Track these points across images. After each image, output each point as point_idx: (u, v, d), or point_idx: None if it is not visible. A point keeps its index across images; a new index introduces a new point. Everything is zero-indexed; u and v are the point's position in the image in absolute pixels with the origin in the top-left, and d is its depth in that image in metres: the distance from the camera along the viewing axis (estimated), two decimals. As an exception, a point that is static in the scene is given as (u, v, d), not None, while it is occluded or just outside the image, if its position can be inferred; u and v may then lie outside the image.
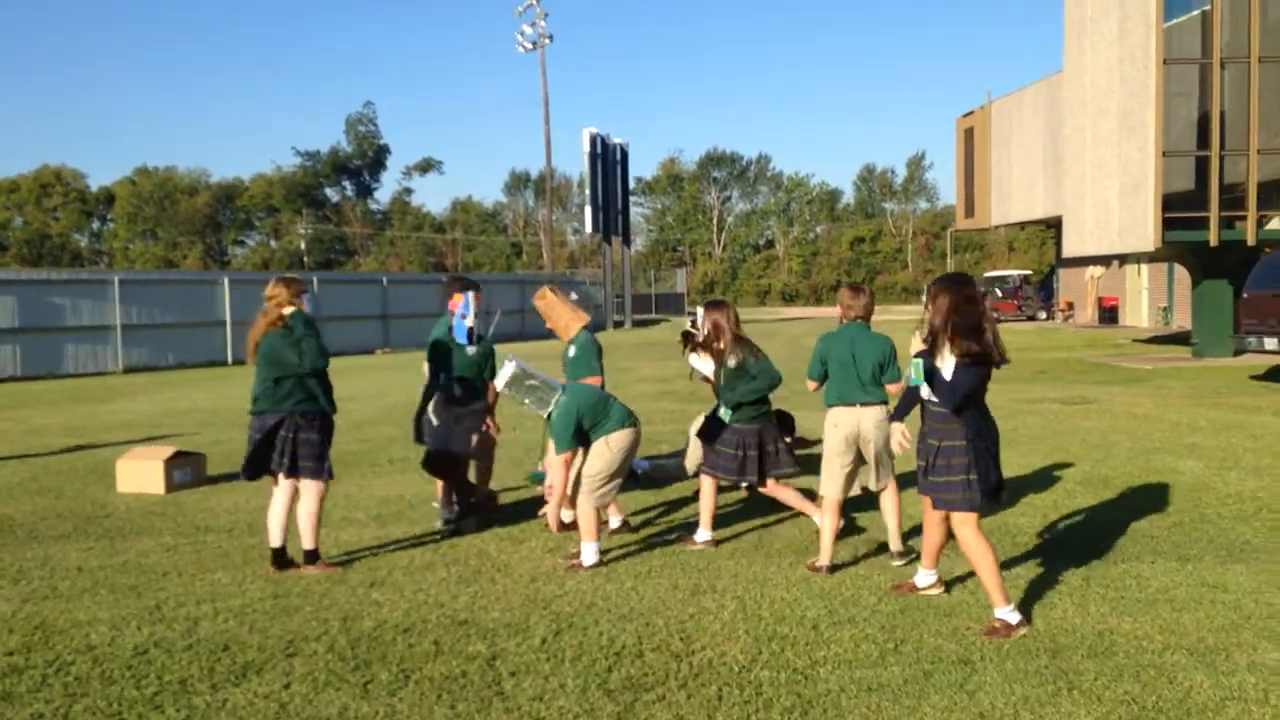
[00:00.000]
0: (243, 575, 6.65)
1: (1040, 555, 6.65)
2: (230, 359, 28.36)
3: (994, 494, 5.32)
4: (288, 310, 6.66)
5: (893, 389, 6.51)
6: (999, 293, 42.80)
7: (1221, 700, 4.34)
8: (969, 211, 39.34)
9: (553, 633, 5.37)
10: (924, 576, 5.86)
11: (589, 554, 6.61)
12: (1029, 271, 47.46)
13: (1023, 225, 46.28)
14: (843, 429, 6.47)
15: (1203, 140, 19.92)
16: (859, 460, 6.57)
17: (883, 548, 6.91)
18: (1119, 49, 20.36)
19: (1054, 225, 38.76)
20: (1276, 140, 19.28)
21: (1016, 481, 9.03)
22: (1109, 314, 35.87)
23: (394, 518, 8.29)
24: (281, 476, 6.69)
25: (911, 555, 6.55)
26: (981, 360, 5.14)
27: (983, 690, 4.48)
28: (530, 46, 52.83)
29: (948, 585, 5.94)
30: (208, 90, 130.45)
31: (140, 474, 9.60)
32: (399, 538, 7.58)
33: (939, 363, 5.24)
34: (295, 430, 6.59)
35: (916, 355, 5.37)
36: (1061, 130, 23.22)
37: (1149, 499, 8.22)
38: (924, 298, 5.39)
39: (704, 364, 7.31)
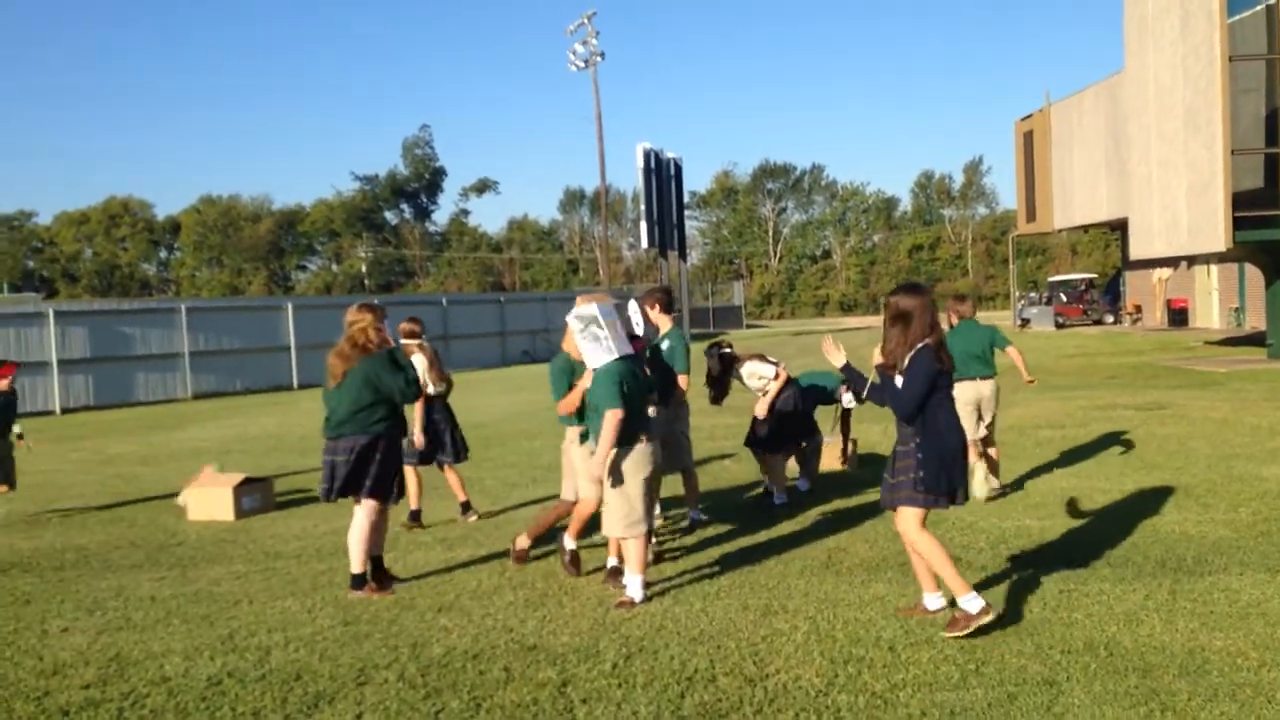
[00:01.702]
0: (313, 602, 6.66)
1: (1122, 569, 6.44)
2: (295, 383, 28.75)
3: (949, 496, 5.44)
4: (380, 338, 6.82)
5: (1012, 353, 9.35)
6: (1064, 297, 42.01)
7: (1325, 721, 4.14)
8: (1030, 215, 38.74)
9: (623, 657, 5.30)
10: (932, 600, 5.68)
11: (634, 587, 6.28)
12: (1094, 275, 46.53)
13: (1086, 228, 45.46)
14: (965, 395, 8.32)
15: (1271, 137, 19.38)
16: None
17: (955, 562, 6.74)
18: (1182, 46, 19.91)
19: (1118, 227, 38.04)
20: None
21: (1093, 491, 8.81)
22: (1178, 316, 35.04)
23: (459, 541, 8.28)
24: (364, 498, 6.79)
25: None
26: (925, 365, 5.35)
27: (1070, 713, 4.32)
28: (582, 65, 53.08)
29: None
30: (267, 118, 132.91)
31: (210, 501, 9.71)
32: (465, 561, 7.56)
33: (898, 374, 5.42)
34: (379, 453, 6.76)
35: (876, 367, 5.58)
36: (1125, 130, 22.74)
37: (1233, 508, 7.95)
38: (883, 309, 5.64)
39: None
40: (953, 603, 5.45)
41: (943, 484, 5.36)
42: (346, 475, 6.74)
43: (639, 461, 6.32)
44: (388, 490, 6.86)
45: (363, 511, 6.81)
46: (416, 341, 8.90)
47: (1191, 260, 29.12)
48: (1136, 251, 22.66)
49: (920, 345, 5.36)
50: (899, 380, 5.39)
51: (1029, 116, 37.47)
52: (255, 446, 15.33)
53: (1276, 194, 19.11)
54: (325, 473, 6.90)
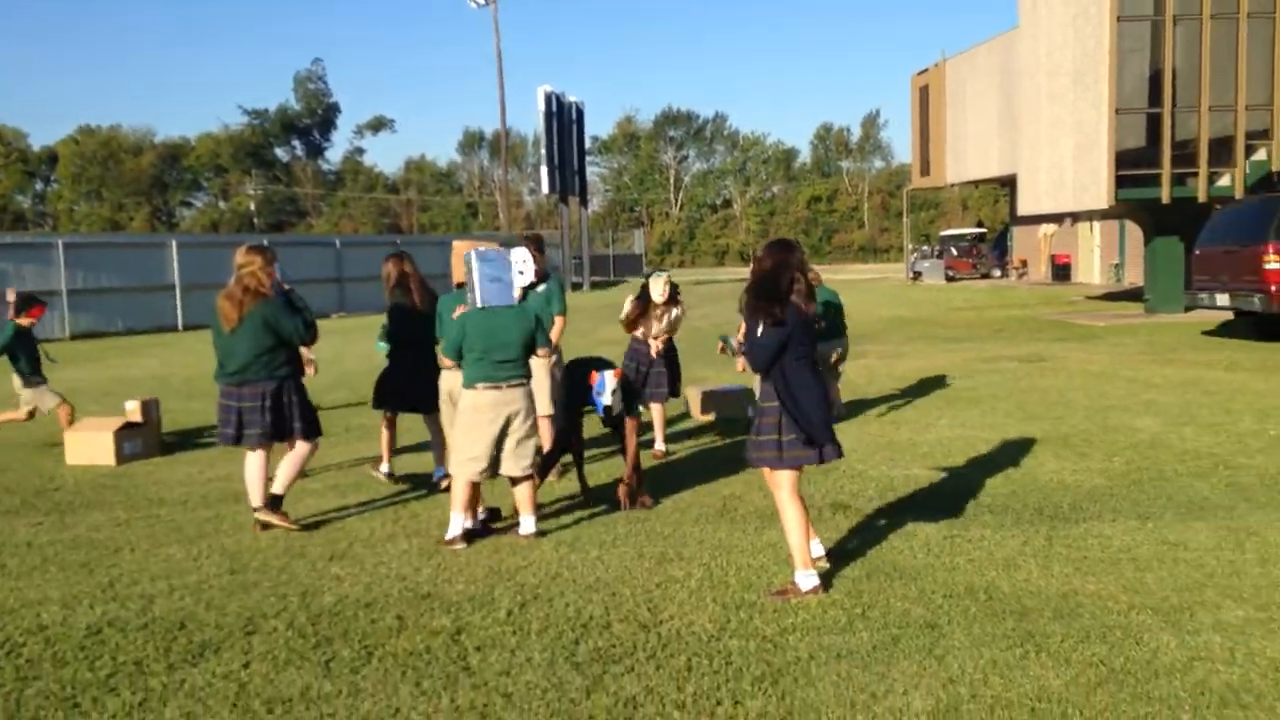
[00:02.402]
0: (198, 550, 6.51)
1: (1002, 515, 6.66)
2: (180, 324, 27.89)
3: (817, 452, 5.36)
4: (271, 281, 6.80)
5: None
6: (954, 251, 43.02)
7: (1189, 660, 4.36)
8: (925, 170, 39.45)
9: (518, 605, 5.30)
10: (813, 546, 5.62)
11: (454, 526, 6.43)
12: (984, 230, 47.71)
13: (977, 184, 46.46)
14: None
15: (1154, 97, 20.01)
16: None
17: (844, 509, 6.91)
18: (1073, 6, 20.36)
19: (1008, 183, 38.97)
20: (1226, 97, 19.40)
21: (976, 440, 9.08)
22: (1062, 271, 36.20)
23: (352, 488, 8.16)
24: (299, 440, 6.96)
25: None
26: (780, 323, 5.27)
27: (951, 654, 4.47)
28: (483, 2, 52.02)
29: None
30: (150, 46, 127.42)
31: (90, 446, 9.39)
32: (358, 509, 7.47)
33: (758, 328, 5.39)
34: (291, 395, 6.90)
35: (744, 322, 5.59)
36: (1017, 88, 23.23)
37: (1107, 457, 8.28)
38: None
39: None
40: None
41: (807, 441, 5.32)
42: (271, 423, 6.80)
43: (485, 405, 6.41)
44: (316, 428, 7.09)
45: (300, 450, 6.99)
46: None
47: (1075, 217, 30.01)
48: (1024, 207, 23.28)
49: (779, 301, 5.31)
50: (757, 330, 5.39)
51: (925, 71, 38.00)
52: (137, 389, 14.79)
53: (1158, 154, 19.77)
54: (226, 417, 6.87)
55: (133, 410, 9.83)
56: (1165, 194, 19.58)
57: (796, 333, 5.32)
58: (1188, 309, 17.99)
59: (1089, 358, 14.88)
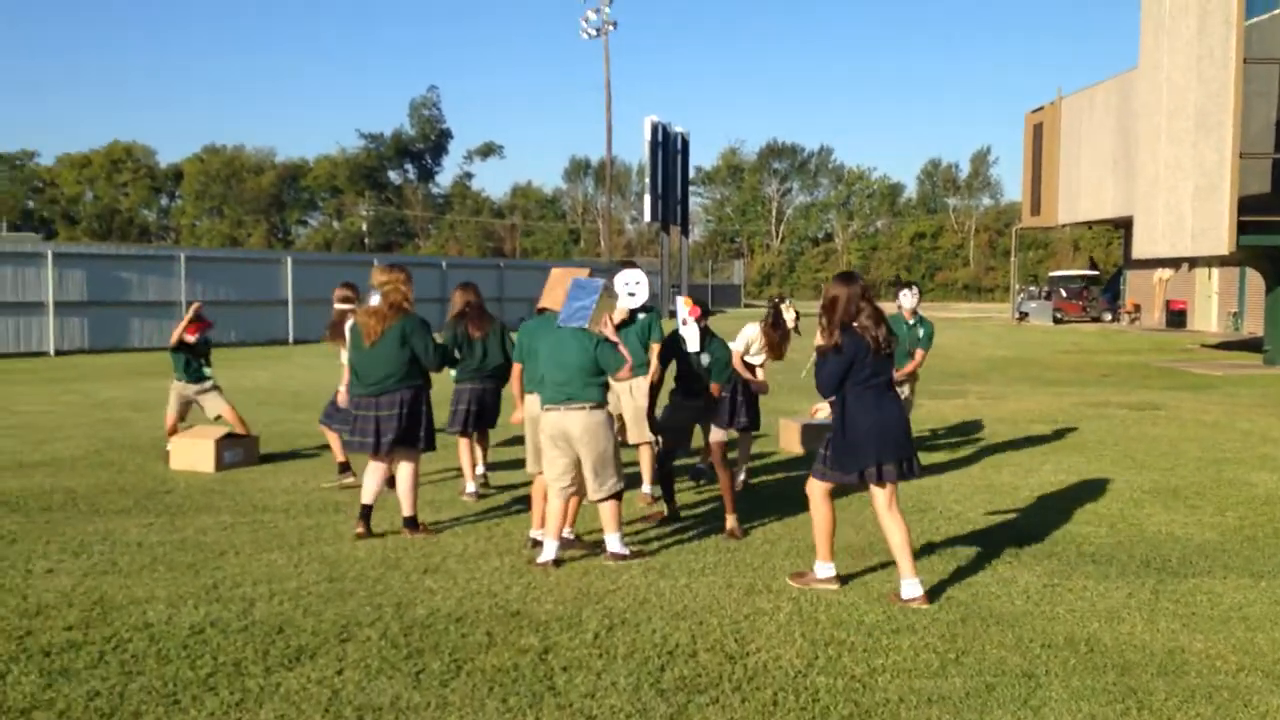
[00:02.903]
0: (298, 556, 6.68)
1: (1106, 566, 6.46)
2: (291, 338, 28.70)
3: (858, 475, 5.73)
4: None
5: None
6: (1064, 292, 41.99)
7: (1300, 728, 4.17)
8: (1035, 209, 38.62)
9: (605, 628, 5.31)
10: (910, 586, 5.72)
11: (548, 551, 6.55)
12: (1097, 271, 46.51)
13: (1090, 225, 45.39)
14: None
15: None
16: None
17: (929, 548, 6.78)
18: (1197, 47, 19.80)
19: (1122, 225, 37.98)
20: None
21: (1081, 487, 8.83)
22: (1176, 317, 35.07)
23: (446, 504, 8.29)
24: (423, 449, 7.28)
25: None
26: (838, 350, 5.64)
27: (1048, 706, 4.34)
28: (594, 33, 52.81)
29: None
30: (275, 70, 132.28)
31: (191, 452, 9.71)
32: (450, 524, 7.58)
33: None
34: (424, 405, 7.22)
35: (816, 348, 5.86)
36: (1135, 128, 22.65)
37: (1220, 511, 7.98)
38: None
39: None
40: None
41: (848, 463, 5.68)
42: (399, 429, 7.08)
43: (545, 424, 6.59)
44: (433, 442, 7.35)
45: (410, 464, 7.24)
46: (350, 307, 8.70)
47: (1193, 262, 29.08)
48: (1139, 251, 22.62)
49: (842, 329, 5.64)
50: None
51: (1040, 109, 37.30)
52: (247, 399, 15.27)
53: (1282, 201, 19.07)
54: (364, 427, 7.15)
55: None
56: (1289, 242, 18.87)
57: (860, 359, 5.62)
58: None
59: (1202, 408, 14.36)
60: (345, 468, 9.11)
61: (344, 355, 8.16)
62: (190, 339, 10.16)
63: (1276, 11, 20.50)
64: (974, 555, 6.72)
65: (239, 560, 6.61)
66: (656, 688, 4.58)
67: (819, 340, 5.80)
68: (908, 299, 9.92)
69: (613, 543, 6.57)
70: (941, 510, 7.96)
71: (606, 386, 6.65)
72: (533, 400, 6.86)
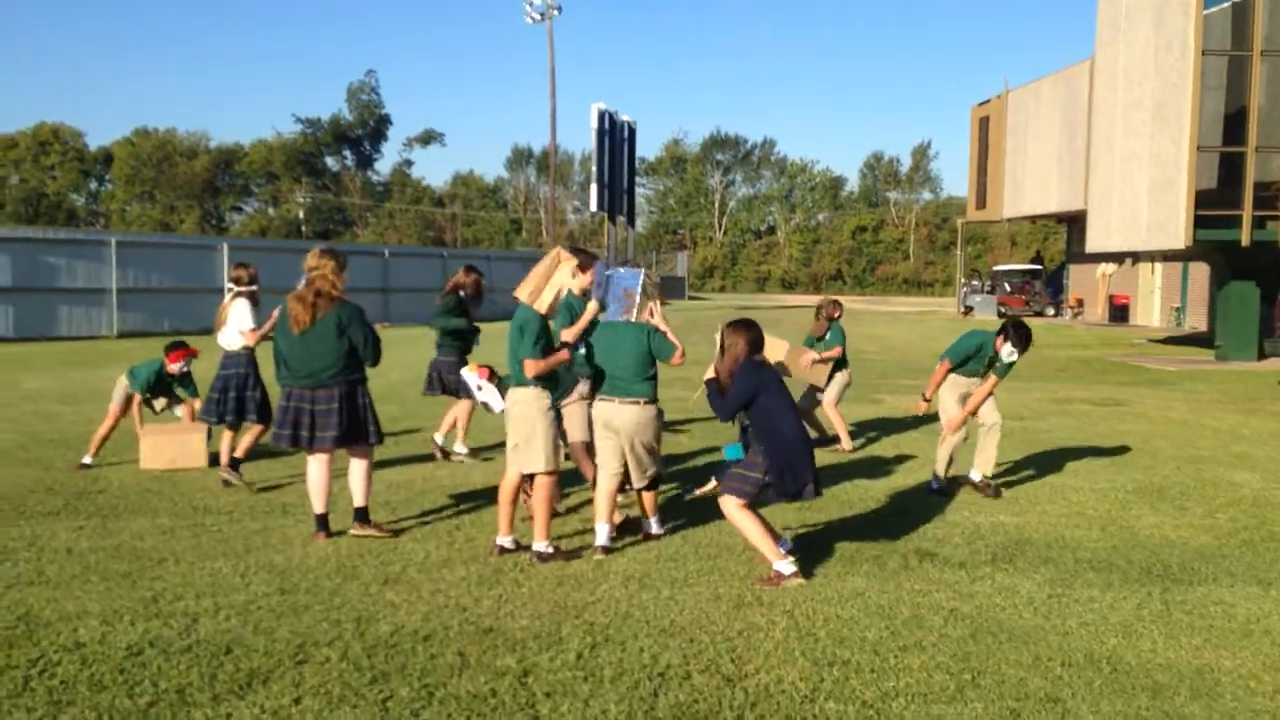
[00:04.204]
0: (245, 565, 6.16)
1: (1107, 573, 6.15)
2: (227, 327, 27.83)
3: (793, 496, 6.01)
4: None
5: None
6: (1008, 287, 42.23)
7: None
8: (981, 202, 38.83)
9: (588, 647, 4.88)
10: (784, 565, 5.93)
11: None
12: (1041, 266, 46.82)
13: (1034, 219, 45.74)
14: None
15: (1234, 136, 19.34)
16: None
17: (930, 557, 6.43)
18: (1155, 38, 19.77)
19: (1066, 220, 38.31)
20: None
21: (1064, 488, 8.56)
22: (1120, 312, 35.35)
23: (403, 505, 7.79)
24: (371, 443, 6.88)
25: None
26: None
27: (1079, 734, 3.99)
28: (538, 17, 52.02)
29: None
30: (208, 52, 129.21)
31: (171, 449, 9.06)
32: (410, 528, 7.09)
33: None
34: (365, 398, 6.80)
35: (705, 381, 6.19)
36: (1081, 123, 22.63)
37: (1209, 513, 7.73)
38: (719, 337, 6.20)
39: None
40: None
41: (789, 484, 5.89)
42: (346, 425, 6.66)
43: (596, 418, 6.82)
44: (381, 433, 6.97)
45: (364, 460, 6.87)
46: (247, 289, 8.38)
47: (1136, 257, 29.27)
48: (1094, 245, 22.62)
49: (744, 363, 6.01)
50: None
51: (986, 102, 37.45)
52: (184, 391, 14.57)
53: (1235, 194, 19.10)
54: (285, 419, 6.68)
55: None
56: (1245, 236, 18.89)
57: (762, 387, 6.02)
58: (1268, 356, 17.28)
59: (1166, 404, 14.26)
60: (235, 464, 8.63)
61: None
62: (173, 368, 9.31)
63: (1225, 5, 20.53)
64: (967, 561, 6.38)
65: (180, 569, 6.07)
66: (651, 715, 4.18)
67: (710, 373, 6.17)
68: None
69: (653, 526, 6.84)
70: (922, 513, 7.63)
71: (656, 380, 6.65)
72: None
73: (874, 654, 4.81)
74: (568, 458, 7.26)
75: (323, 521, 6.79)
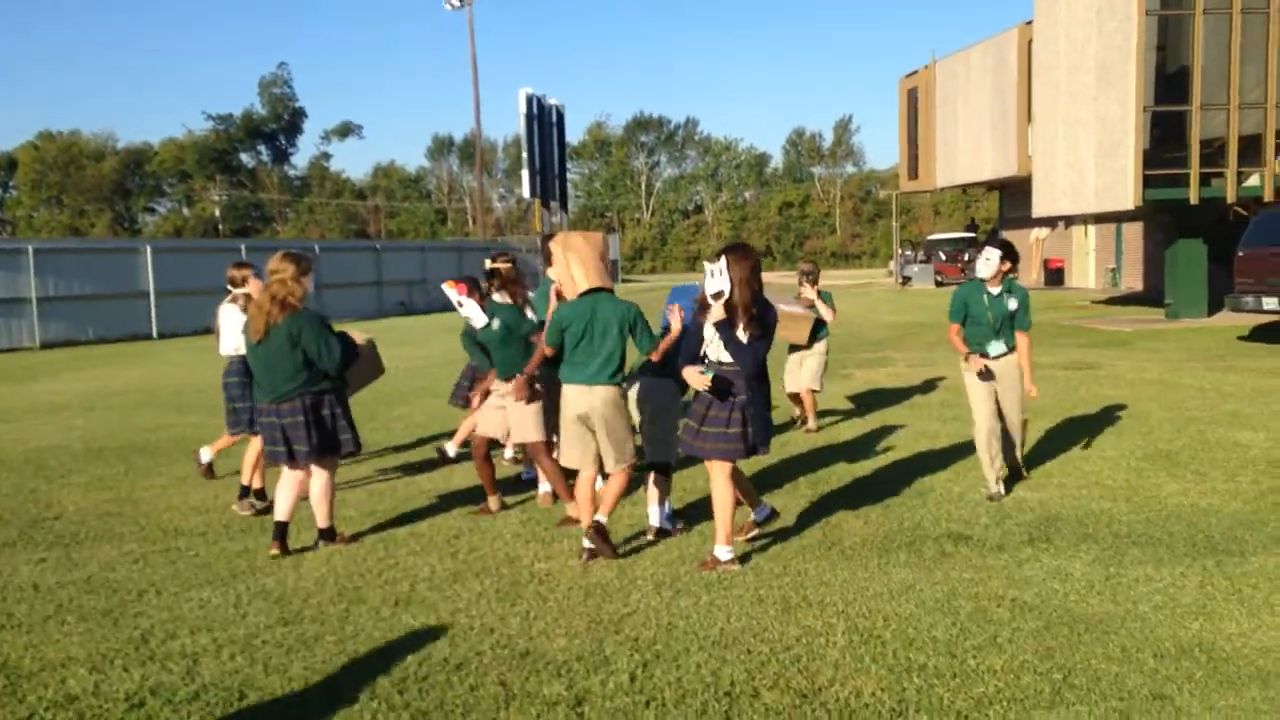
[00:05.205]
0: (236, 593, 5.62)
1: (1152, 548, 5.89)
2: (155, 332, 26.72)
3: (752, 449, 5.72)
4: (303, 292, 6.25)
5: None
6: (942, 255, 42.47)
7: None
8: (913, 173, 38.94)
9: (639, 666, 4.46)
10: (724, 551, 5.78)
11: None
12: (973, 234, 47.14)
13: (965, 188, 46.07)
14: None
15: (1178, 95, 19.39)
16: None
17: (964, 540, 6.12)
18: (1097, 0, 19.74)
19: (998, 187, 38.54)
20: (1255, 94, 18.83)
21: (1073, 457, 8.34)
22: (1055, 276, 35.68)
23: (388, 513, 7.29)
24: (342, 454, 6.50)
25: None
26: (770, 333, 5.64)
27: (1198, 734, 3.69)
28: (458, 4, 50.97)
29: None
30: (113, 50, 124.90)
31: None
32: (403, 538, 6.59)
33: (738, 331, 5.55)
34: (334, 407, 6.37)
35: (714, 324, 5.61)
36: (1033, 86, 22.59)
37: (1229, 477, 7.54)
38: (710, 265, 5.60)
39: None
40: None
41: (766, 435, 5.72)
42: (317, 438, 6.22)
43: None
44: (359, 440, 6.55)
45: (325, 471, 6.44)
46: (244, 290, 7.60)
47: (1070, 220, 29.48)
48: (1040, 210, 22.63)
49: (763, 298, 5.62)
50: (743, 336, 5.54)
51: (914, 73, 37.48)
52: (123, 401, 13.81)
53: (1180, 153, 19.17)
54: (272, 435, 6.24)
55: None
56: (1193, 195, 18.97)
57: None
58: (1224, 310, 17.37)
59: (1137, 365, 14.19)
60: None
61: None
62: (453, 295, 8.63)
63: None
64: (1003, 543, 6.09)
65: (164, 602, 5.52)
66: (731, 743, 3.77)
67: (718, 314, 5.63)
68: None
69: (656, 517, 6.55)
70: (942, 491, 7.34)
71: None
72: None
73: (950, 656, 4.46)
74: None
75: (280, 530, 6.35)
